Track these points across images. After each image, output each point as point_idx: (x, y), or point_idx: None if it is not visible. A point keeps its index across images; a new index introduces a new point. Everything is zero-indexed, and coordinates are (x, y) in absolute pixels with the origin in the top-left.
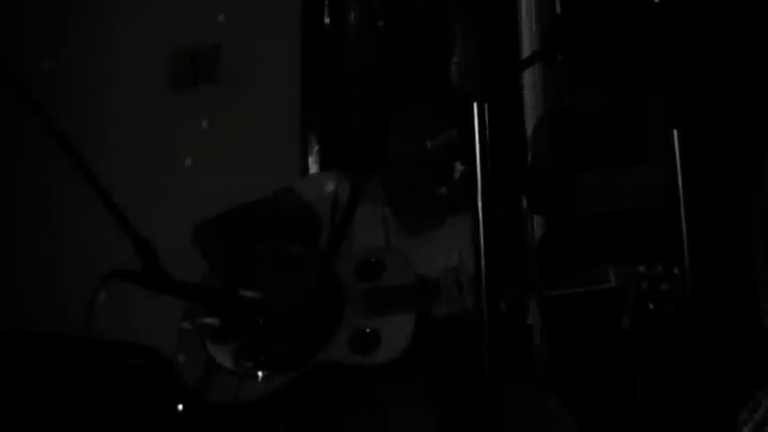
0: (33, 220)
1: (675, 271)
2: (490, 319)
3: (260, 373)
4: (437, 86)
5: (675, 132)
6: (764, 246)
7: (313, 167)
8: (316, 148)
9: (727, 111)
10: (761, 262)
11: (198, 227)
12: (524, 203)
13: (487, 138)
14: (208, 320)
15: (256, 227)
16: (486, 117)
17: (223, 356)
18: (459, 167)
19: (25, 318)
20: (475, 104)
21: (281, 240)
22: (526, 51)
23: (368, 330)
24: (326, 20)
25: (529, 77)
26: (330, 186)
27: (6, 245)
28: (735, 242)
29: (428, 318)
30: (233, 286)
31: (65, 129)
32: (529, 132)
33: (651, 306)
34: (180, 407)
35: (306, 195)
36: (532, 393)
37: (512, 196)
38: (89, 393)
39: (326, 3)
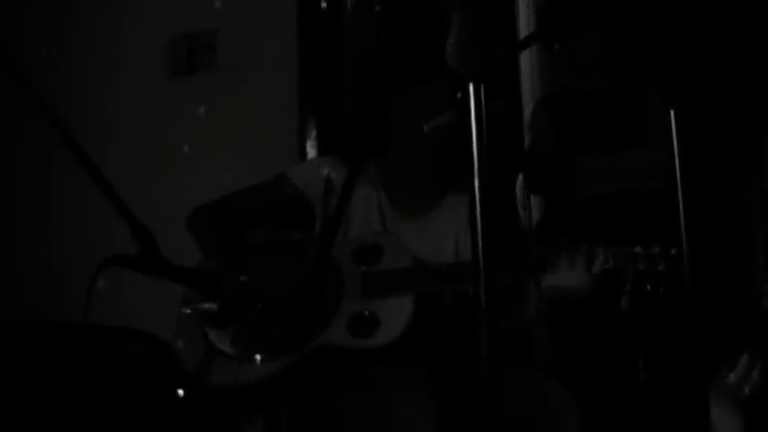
0: (32, 205)
1: (672, 251)
2: (488, 301)
3: (258, 357)
4: (434, 70)
5: (672, 112)
6: (763, 227)
7: (311, 153)
8: (313, 134)
9: (726, 92)
10: (759, 244)
11: (191, 214)
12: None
13: (484, 119)
14: (206, 305)
15: (251, 213)
16: (483, 98)
17: (221, 341)
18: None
19: (23, 304)
20: (471, 85)
21: (277, 226)
22: (523, 33)
23: (366, 314)
24: (323, 5)
25: (526, 60)
26: (323, 171)
27: (4, 231)
28: (733, 223)
29: (426, 300)
30: (227, 273)
31: (63, 116)
32: (527, 115)
33: (648, 287)
34: (180, 392)
35: (298, 181)
36: (532, 376)
37: (509, 180)
38: (88, 380)
39: None
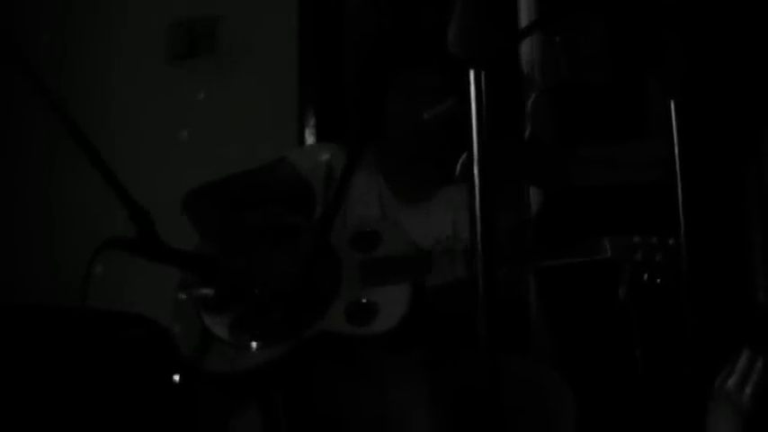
0: (32, 189)
1: (670, 242)
2: (486, 288)
3: (254, 344)
4: (436, 57)
5: (672, 103)
6: (761, 220)
7: (310, 139)
8: (313, 121)
9: (727, 83)
10: (757, 236)
11: (188, 194)
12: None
13: (484, 105)
14: (203, 291)
15: (250, 196)
16: (483, 84)
17: (218, 327)
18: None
19: (23, 288)
20: (471, 72)
21: (276, 210)
22: (523, 23)
23: (364, 301)
24: None
25: (527, 50)
26: (324, 156)
27: (4, 215)
28: (731, 215)
29: (424, 288)
30: (225, 256)
31: (63, 100)
32: (527, 105)
33: (646, 277)
34: (176, 377)
35: (300, 165)
36: (530, 366)
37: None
38: (86, 364)
39: None
